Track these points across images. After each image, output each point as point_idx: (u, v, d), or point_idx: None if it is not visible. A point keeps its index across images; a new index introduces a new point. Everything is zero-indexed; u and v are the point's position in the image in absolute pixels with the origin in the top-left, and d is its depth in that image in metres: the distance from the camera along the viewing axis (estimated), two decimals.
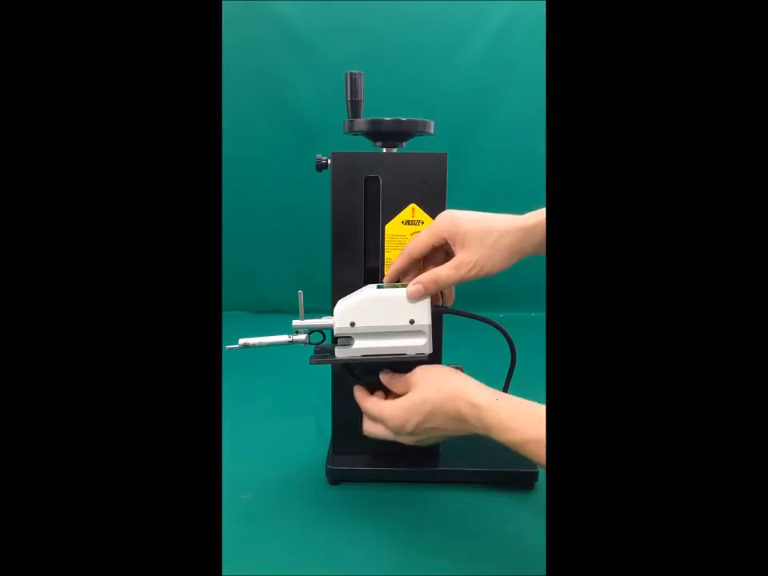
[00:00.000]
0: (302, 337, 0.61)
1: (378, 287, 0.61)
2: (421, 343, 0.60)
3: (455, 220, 0.58)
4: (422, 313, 0.59)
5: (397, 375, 0.62)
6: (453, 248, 0.58)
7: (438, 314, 0.64)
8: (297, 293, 0.61)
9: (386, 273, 0.66)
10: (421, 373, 0.60)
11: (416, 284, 0.58)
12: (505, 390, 0.70)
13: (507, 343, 0.65)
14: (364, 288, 0.63)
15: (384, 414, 0.59)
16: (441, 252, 0.62)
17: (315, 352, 0.63)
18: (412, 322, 0.59)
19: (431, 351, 0.61)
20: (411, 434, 0.58)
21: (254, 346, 0.61)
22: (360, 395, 0.64)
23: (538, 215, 0.56)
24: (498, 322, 0.64)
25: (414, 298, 0.59)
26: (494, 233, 0.56)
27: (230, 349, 0.59)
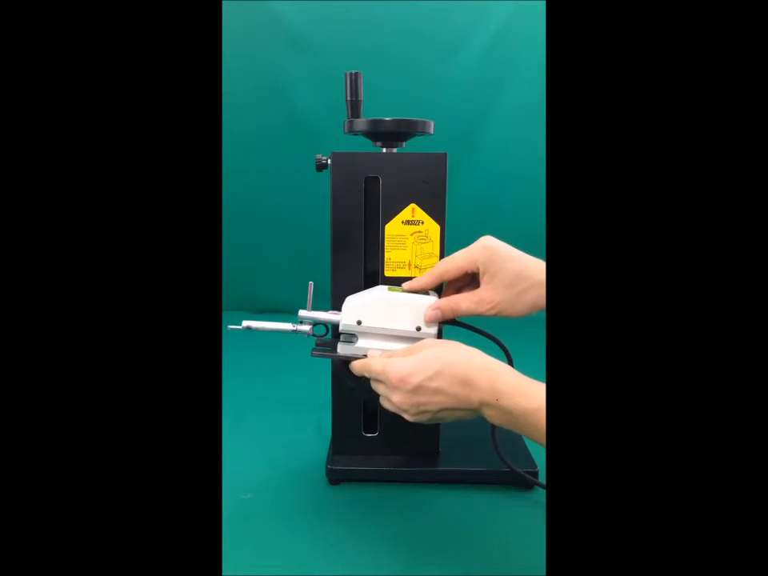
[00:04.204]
0: (306, 327, 0.61)
1: (390, 290, 0.61)
2: None
3: (494, 254, 0.58)
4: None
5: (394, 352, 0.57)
6: (480, 277, 0.59)
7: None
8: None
9: (386, 273, 0.66)
10: (428, 340, 0.57)
11: (435, 309, 0.59)
12: None
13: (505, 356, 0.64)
14: (375, 288, 0.63)
15: (387, 366, 0.54)
16: (467, 274, 0.61)
17: (317, 345, 0.63)
18: (418, 329, 0.59)
19: None
20: (413, 391, 0.52)
21: (257, 330, 0.61)
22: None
23: None
24: (498, 338, 0.64)
25: (431, 321, 0.59)
26: (526, 282, 0.56)
27: (232, 329, 0.59)
